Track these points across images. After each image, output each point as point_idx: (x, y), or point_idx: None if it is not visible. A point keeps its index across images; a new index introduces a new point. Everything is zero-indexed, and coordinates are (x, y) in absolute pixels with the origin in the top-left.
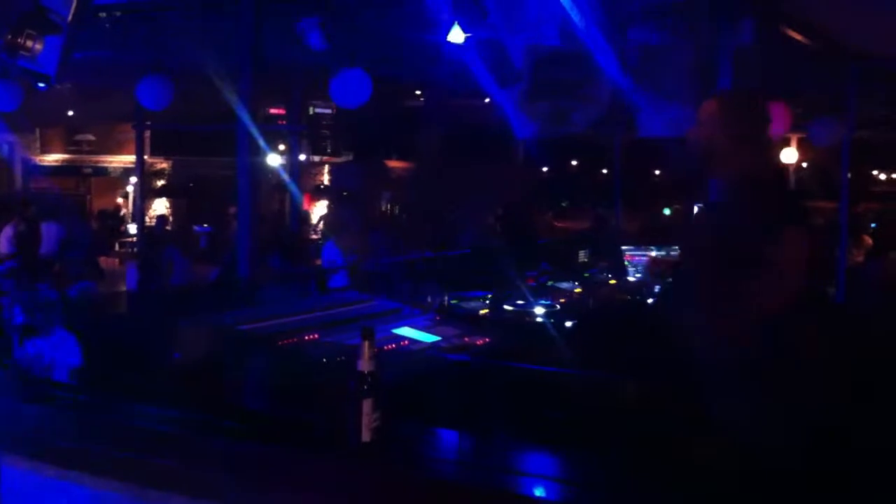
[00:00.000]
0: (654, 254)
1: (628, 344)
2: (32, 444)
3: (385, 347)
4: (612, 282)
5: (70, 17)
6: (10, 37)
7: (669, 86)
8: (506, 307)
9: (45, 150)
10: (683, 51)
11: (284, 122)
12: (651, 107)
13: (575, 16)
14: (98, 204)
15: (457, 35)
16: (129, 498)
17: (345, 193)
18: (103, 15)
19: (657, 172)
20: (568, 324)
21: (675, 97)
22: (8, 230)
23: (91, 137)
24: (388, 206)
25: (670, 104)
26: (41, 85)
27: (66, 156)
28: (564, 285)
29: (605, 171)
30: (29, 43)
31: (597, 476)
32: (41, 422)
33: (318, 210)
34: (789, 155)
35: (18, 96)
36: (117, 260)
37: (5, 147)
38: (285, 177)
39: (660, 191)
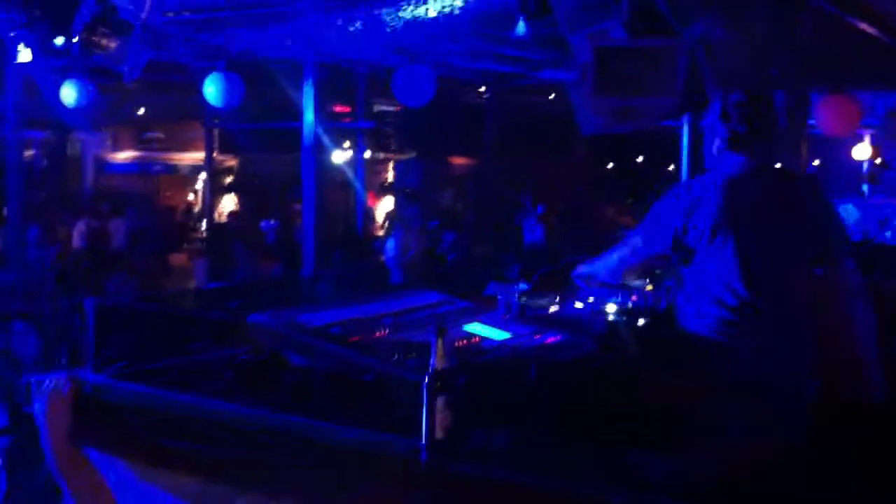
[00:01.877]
0: None
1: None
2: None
3: (455, 344)
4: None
5: (143, 16)
6: (84, 35)
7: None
8: (577, 304)
9: (116, 147)
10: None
11: (349, 120)
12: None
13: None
14: (167, 201)
15: (521, 29)
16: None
17: (407, 191)
18: (172, 14)
19: None
20: (641, 321)
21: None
22: (80, 226)
23: (160, 135)
24: (452, 202)
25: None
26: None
27: (135, 153)
28: (636, 282)
29: (671, 167)
30: (103, 41)
31: (678, 481)
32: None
33: (384, 207)
34: (862, 151)
35: (91, 94)
36: (186, 255)
37: (77, 145)
38: (350, 174)
39: None
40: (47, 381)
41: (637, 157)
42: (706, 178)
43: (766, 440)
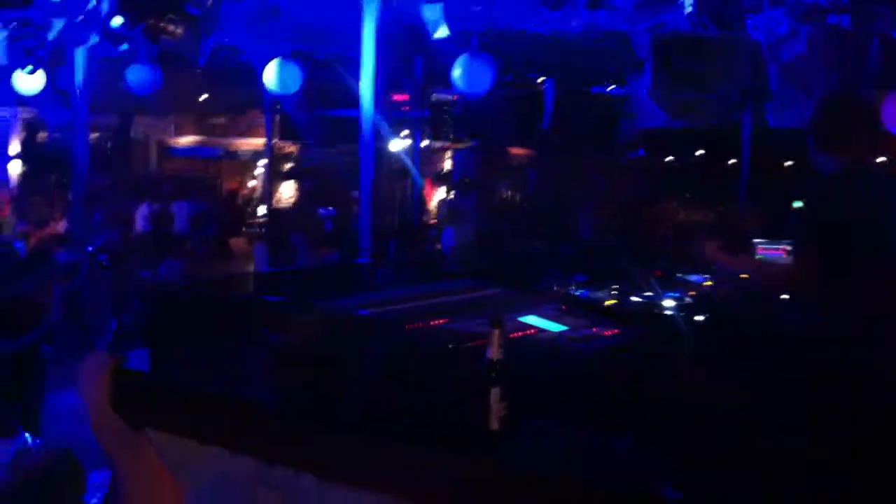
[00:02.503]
0: (787, 247)
1: (763, 341)
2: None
3: (511, 335)
4: (744, 276)
5: (209, 3)
6: (152, 21)
7: (807, 75)
8: (633, 298)
9: (179, 132)
10: (824, 39)
11: (408, 109)
12: (785, 96)
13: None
14: (228, 185)
15: (578, 16)
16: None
17: (465, 180)
18: (240, 2)
19: (788, 164)
20: (698, 317)
21: (811, 87)
22: (143, 209)
23: (223, 121)
24: (509, 193)
25: (806, 94)
26: (188, 69)
27: (198, 138)
28: (693, 278)
29: (732, 161)
30: (170, 27)
31: (732, 483)
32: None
33: (438, 196)
34: None
35: (155, 80)
36: (245, 240)
37: (141, 129)
38: (407, 162)
39: (790, 184)
40: (89, 359)
41: (696, 152)
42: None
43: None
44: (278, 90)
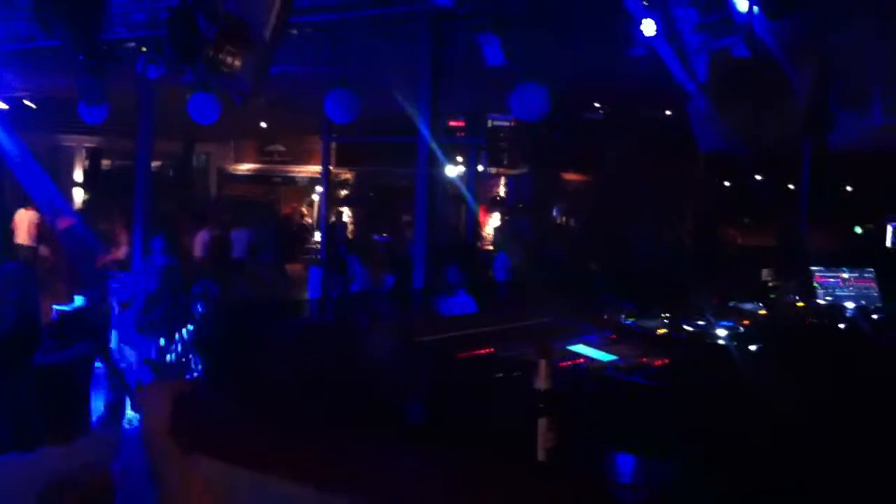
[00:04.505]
0: (844, 275)
1: (821, 371)
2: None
3: (560, 364)
4: (801, 304)
5: (267, 35)
6: (210, 53)
7: (870, 94)
8: (685, 327)
9: (239, 159)
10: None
11: (463, 134)
12: (846, 118)
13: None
14: (285, 211)
15: (649, 28)
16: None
17: (520, 205)
18: (295, 32)
19: (849, 189)
20: (752, 347)
21: (874, 106)
22: (203, 235)
23: (281, 148)
24: (563, 218)
25: (869, 114)
26: (246, 100)
27: (257, 165)
28: (748, 306)
29: (791, 185)
30: (228, 59)
31: None
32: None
33: (492, 222)
34: None
35: (217, 109)
36: (302, 265)
37: (202, 156)
38: (462, 188)
39: (852, 208)
40: (154, 383)
41: (755, 175)
42: None
43: None
44: (336, 118)
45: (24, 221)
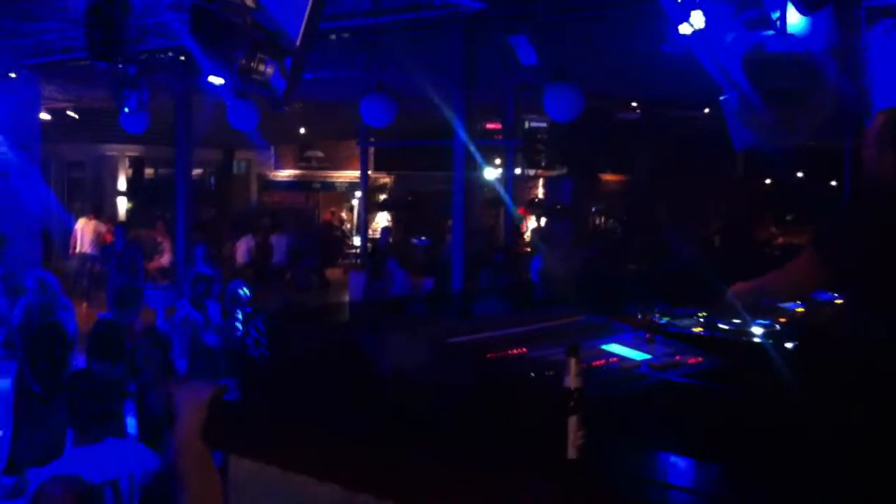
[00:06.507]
0: None
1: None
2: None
3: (593, 363)
4: (839, 301)
5: (298, 42)
6: (243, 61)
7: None
8: (721, 325)
9: (279, 166)
10: None
11: (500, 137)
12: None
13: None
14: (324, 216)
15: (685, 28)
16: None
17: (558, 207)
18: (333, 37)
19: None
20: (789, 345)
21: None
22: (245, 242)
23: (320, 154)
24: (601, 219)
25: None
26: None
27: (297, 171)
28: (785, 304)
29: (833, 182)
30: (260, 67)
31: None
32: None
33: (531, 224)
34: None
35: (256, 116)
36: (341, 270)
37: (242, 163)
38: (500, 190)
39: None
40: (188, 386)
41: (796, 173)
42: None
43: None
44: (373, 122)
45: (88, 230)
